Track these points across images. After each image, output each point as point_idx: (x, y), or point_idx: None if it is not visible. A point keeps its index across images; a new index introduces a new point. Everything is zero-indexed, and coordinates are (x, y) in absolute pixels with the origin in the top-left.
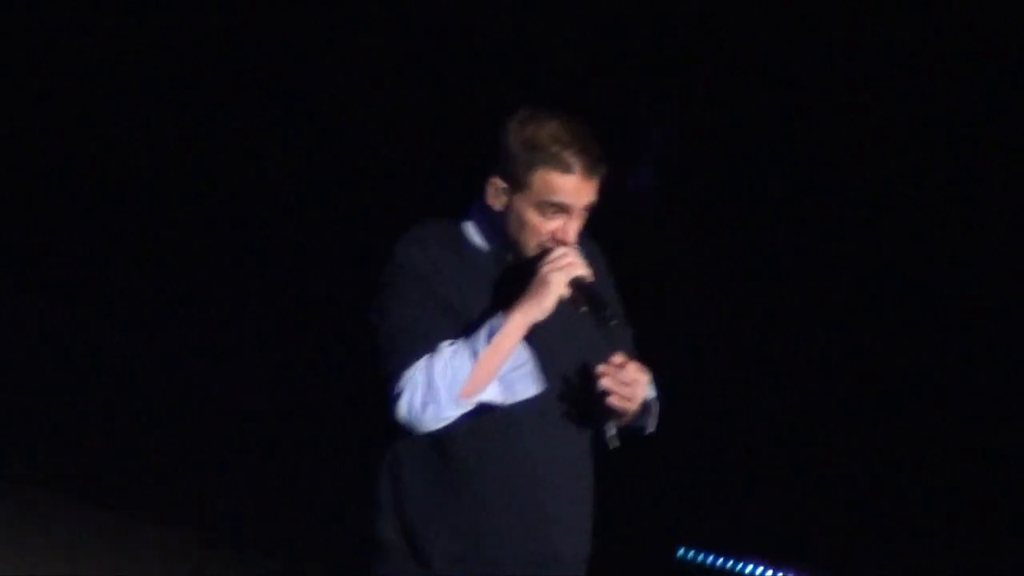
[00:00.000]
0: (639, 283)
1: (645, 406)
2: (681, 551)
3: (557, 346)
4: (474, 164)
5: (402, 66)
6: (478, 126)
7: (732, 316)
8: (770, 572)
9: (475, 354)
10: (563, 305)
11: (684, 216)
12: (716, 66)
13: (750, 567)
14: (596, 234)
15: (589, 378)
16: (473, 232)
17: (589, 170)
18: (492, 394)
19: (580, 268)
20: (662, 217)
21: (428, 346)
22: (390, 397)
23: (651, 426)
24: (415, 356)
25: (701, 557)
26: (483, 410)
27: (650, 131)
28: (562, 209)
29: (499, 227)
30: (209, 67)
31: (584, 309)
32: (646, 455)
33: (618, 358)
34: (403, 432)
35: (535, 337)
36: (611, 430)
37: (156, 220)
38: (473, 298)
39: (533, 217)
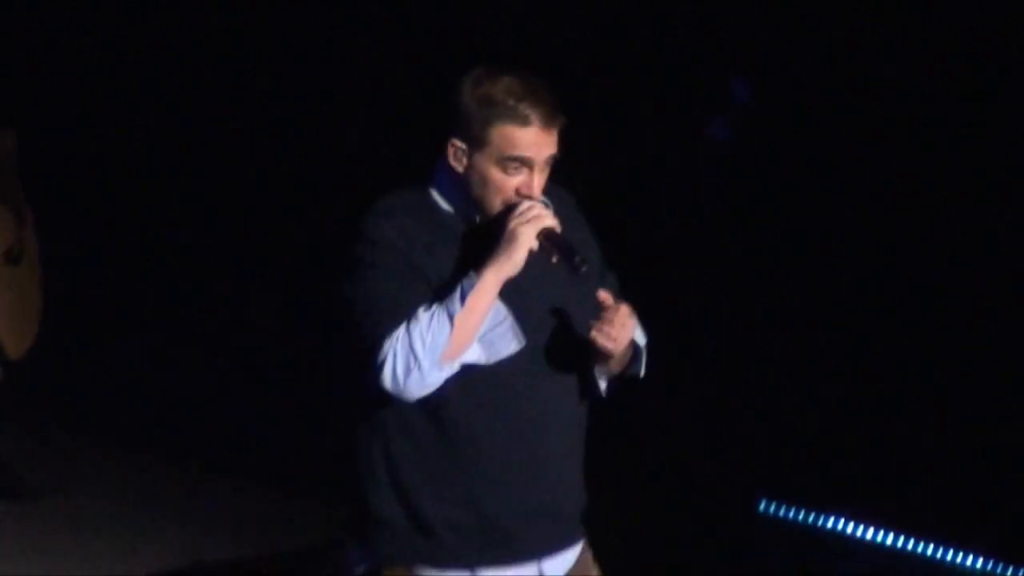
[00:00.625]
0: (720, 232)
1: (635, 351)
2: (762, 504)
3: (536, 300)
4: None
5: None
6: None
7: (815, 266)
8: (851, 526)
9: (451, 316)
10: (537, 258)
11: (758, 171)
12: (800, 19)
13: (831, 521)
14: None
15: (571, 328)
16: (439, 197)
17: (546, 121)
18: (474, 355)
19: (547, 219)
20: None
21: (405, 314)
22: (373, 368)
23: (640, 371)
24: (394, 325)
25: (782, 511)
26: (470, 371)
27: (730, 81)
28: (523, 163)
29: (463, 188)
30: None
31: (555, 259)
32: (727, 407)
33: (604, 296)
34: (391, 403)
35: (512, 293)
36: (600, 379)
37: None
38: (447, 263)
39: (495, 174)
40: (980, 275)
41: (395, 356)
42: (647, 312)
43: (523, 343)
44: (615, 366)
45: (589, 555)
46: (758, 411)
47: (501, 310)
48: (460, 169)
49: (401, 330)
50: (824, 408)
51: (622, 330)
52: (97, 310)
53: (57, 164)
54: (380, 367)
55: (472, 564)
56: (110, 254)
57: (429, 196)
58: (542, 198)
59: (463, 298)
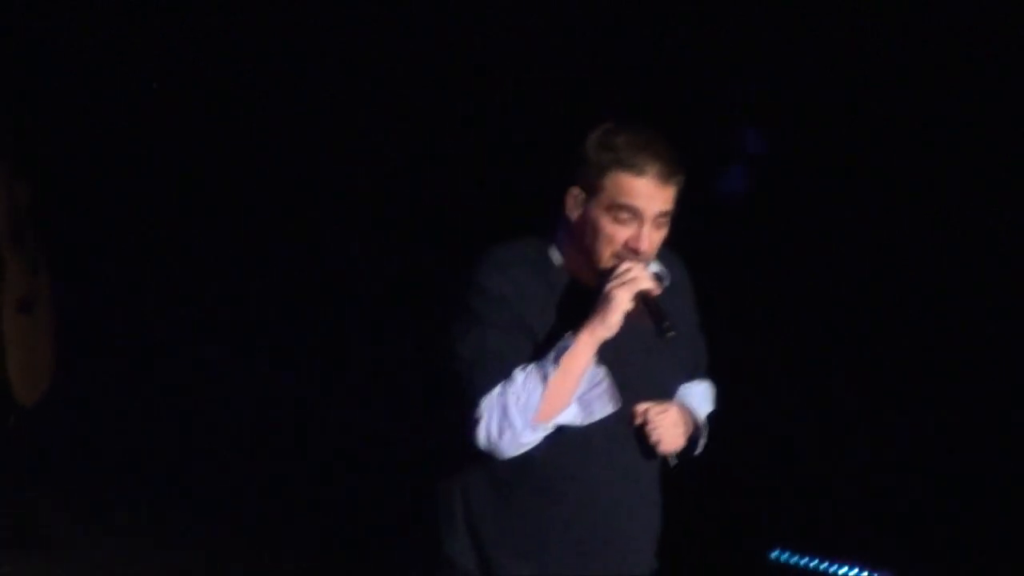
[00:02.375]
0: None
1: (695, 431)
2: (775, 552)
3: (632, 364)
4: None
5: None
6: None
7: (829, 315)
8: (864, 574)
9: (545, 377)
10: (637, 321)
11: (776, 219)
12: (814, 65)
13: (844, 569)
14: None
15: (659, 395)
16: (555, 253)
17: (662, 175)
18: (570, 416)
19: (644, 282)
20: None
21: (505, 372)
22: (468, 425)
23: (699, 449)
24: (492, 384)
25: (795, 559)
26: (560, 432)
27: (744, 131)
28: (633, 213)
29: (578, 241)
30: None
31: (672, 329)
32: (741, 456)
33: (640, 410)
34: (481, 455)
35: (611, 355)
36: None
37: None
38: (555, 321)
39: (606, 223)
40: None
41: (490, 416)
42: None
43: (619, 405)
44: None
45: None
46: (771, 458)
47: (599, 372)
48: (574, 218)
49: (497, 389)
50: (837, 456)
51: (664, 433)
52: (111, 356)
53: (73, 212)
54: (475, 425)
55: None
56: (125, 301)
57: (545, 251)
58: (650, 259)
59: (557, 360)
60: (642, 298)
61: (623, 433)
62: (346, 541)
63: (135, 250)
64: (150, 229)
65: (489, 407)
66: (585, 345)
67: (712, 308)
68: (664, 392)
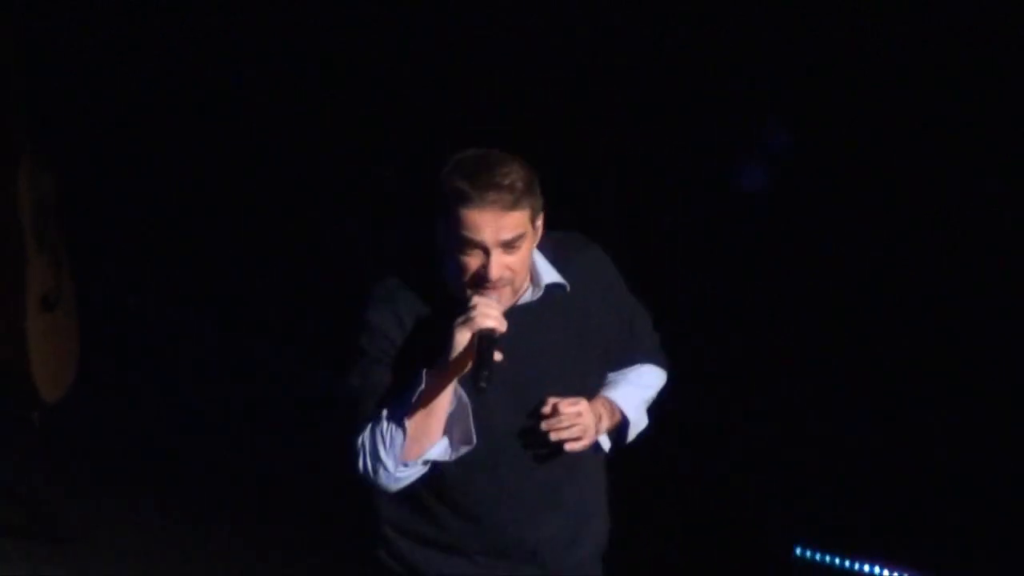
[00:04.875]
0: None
1: (622, 423)
2: (798, 550)
3: (538, 367)
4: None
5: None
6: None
7: (859, 309)
8: (887, 572)
9: (402, 418)
10: (537, 322)
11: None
12: (836, 64)
13: (868, 567)
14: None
15: (578, 393)
16: (450, 271)
17: (500, 205)
18: (438, 452)
19: (486, 320)
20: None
21: (377, 411)
22: (349, 457)
23: (631, 437)
24: (366, 422)
25: (819, 556)
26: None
27: (765, 130)
28: (477, 245)
29: (445, 268)
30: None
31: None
32: (764, 452)
33: (547, 407)
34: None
35: (512, 361)
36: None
37: None
38: (438, 346)
39: (456, 255)
40: None
41: (364, 453)
42: (688, 359)
43: (473, 444)
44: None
45: None
46: (795, 455)
47: (463, 407)
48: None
49: (368, 428)
50: (862, 452)
51: (574, 429)
52: (133, 354)
53: (98, 207)
54: (353, 461)
55: None
56: (148, 297)
57: (436, 273)
58: (513, 281)
59: (412, 400)
60: (479, 338)
61: (530, 446)
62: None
63: (155, 244)
64: (168, 223)
65: (362, 446)
66: (434, 385)
67: (735, 304)
68: (582, 384)
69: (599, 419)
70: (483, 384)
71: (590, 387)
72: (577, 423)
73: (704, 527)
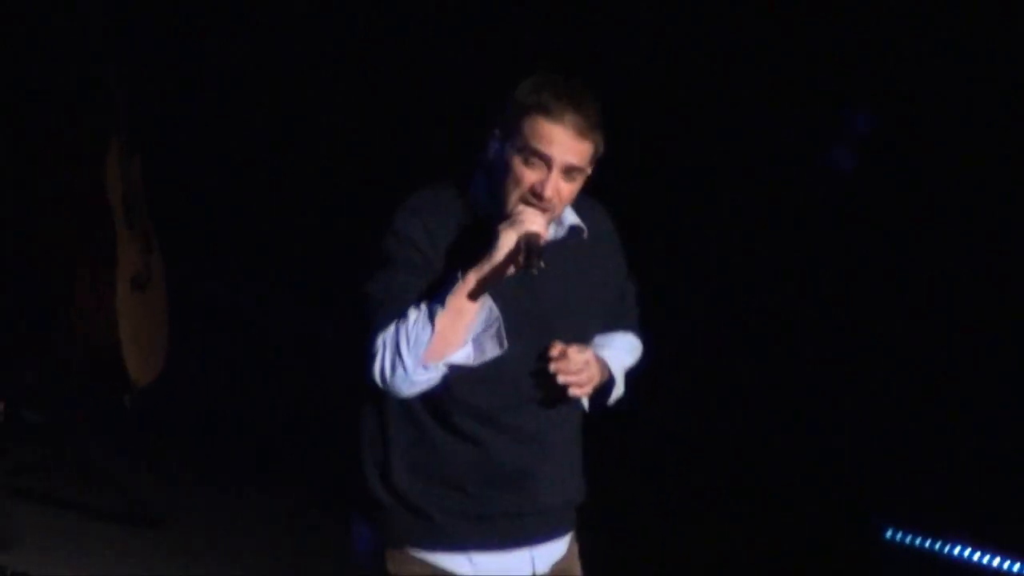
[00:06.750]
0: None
1: (609, 380)
2: (888, 532)
3: (549, 301)
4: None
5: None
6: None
7: (936, 292)
8: (978, 555)
9: (432, 316)
10: (555, 265)
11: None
12: (924, 51)
13: (958, 549)
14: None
15: (580, 336)
16: (473, 196)
17: (578, 127)
18: (462, 356)
19: (532, 224)
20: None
21: (405, 311)
22: (365, 361)
23: (612, 399)
24: (389, 321)
25: (908, 538)
26: (472, 372)
27: (851, 112)
28: (544, 160)
29: (492, 182)
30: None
31: (538, 267)
32: (855, 433)
33: (555, 349)
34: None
35: (523, 297)
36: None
37: None
38: (463, 264)
39: (517, 165)
40: None
41: (383, 353)
42: (774, 346)
43: (504, 349)
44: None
45: (575, 548)
46: (883, 437)
47: (493, 312)
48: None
49: (392, 327)
50: (951, 433)
51: (581, 375)
52: (224, 334)
53: (182, 187)
54: (371, 361)
55: (467, 547)
56: (239, 278)
57: (462, 195)
58: (557, 209)
59: (444, 299)
60: (527, 239)
61: (538, 371)
62: None
63: (247, 232)
64: (256, 207)
65: (383, 344)
66: (471, 285)
67: (841, 292)
68: (582, 333)
69: (595, 373)
70: (534, 269)
71: (588, 337)
72: (585, 370)
73: (793, 510)
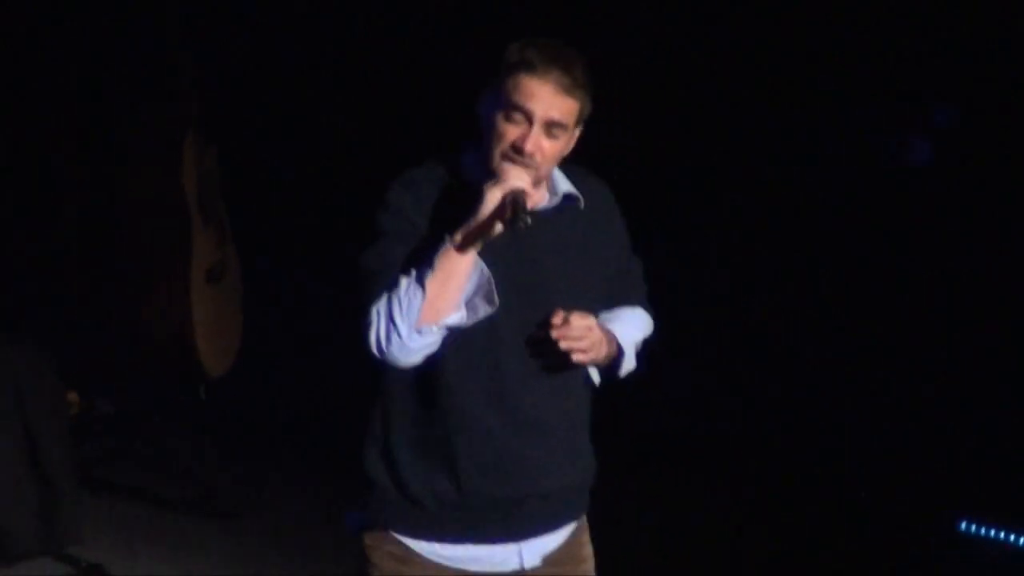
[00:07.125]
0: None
1: (619, 350)
2: (963, 524)
3: (547, 267)
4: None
5: None
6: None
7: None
8: None
9: (421, 280)
10: (553, 232)
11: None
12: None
13: None
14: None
15: (580, 303)
16: (465, 167)
17: (561, 84)
18: (456, 318)
19: (517, 181)
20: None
21: (395, 280)
22: (361, 332)
23: (623, 372)
24: (382, 291)
25: (984, 530)
26: (470, 339)
27: (933, 106)
28: (525, 115)
29: (481, 144)
30: None
31: (525, 222)
32: (929, 425)
33: (557, 317)
34: (393, 368)
35: (520, 263)
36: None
37: None
38: (454, 228)
39: (500, 121)
40: None
41: (378, 321)
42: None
43: (495, 307)
44: (602, 363)
45: (584, 536)
46: (958, 428)
47: (484, 273)
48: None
49: (385, 296)
50: None
51: (583, 341)
52: (300, 326)
53: (256, 179)
54: (366, 331)
55: (450, 538)
56: (312, 273)
57: (454, 167)
58: (539, 167)
59: (433, 262)
60: (512, 195)
61: (543, 341)
62: None
63: (319, 222)
64: (335, 195)
65: (377, 314)
66: (457, 243)
67: (900, 287)
68: (583, 302)
69: (603, 343)
70: (521, 224)
71: (589, 307)
72: (587, 336)
73: (867, 502)
